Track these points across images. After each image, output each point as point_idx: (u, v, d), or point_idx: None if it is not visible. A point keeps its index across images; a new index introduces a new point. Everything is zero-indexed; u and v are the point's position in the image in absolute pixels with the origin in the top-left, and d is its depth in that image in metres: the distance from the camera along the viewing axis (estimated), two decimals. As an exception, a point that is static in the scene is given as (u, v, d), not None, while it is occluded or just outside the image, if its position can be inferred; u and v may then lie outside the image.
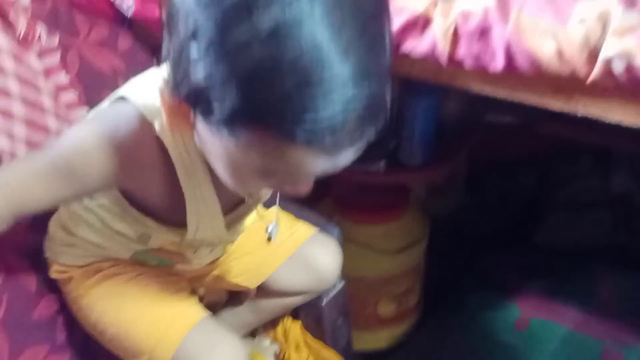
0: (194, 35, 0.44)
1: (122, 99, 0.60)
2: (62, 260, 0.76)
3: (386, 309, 1.32)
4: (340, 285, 0.98)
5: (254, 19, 0.41)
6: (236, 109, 0.44)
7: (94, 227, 0.71)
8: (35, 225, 0.76)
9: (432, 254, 1.37)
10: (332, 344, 0.97)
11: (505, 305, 1.20)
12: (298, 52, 0.41)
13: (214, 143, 0.50)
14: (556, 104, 0.64)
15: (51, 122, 0.80)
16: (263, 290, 0.90)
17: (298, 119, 0.43)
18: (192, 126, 0.52)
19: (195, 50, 0.44)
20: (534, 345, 1.10)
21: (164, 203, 0.65)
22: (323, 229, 0.93)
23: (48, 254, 0.77)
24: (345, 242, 0.95)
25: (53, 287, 0.79)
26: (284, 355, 0.96)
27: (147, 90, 0.58)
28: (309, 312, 0.97)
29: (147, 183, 0.62)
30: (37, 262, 0.78)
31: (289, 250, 0.87)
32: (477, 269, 1.34)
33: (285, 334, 0.95)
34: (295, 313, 0.99)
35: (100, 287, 0.75)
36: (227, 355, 0.73)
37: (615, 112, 0.60)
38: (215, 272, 0.85)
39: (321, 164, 0.47)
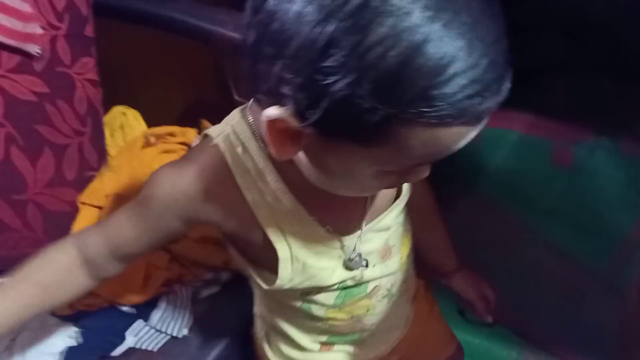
0: (323, 54, 0.41)
1: (205, 136, 0.60)
2: None
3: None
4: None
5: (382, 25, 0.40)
6: (388, 114, 0.42)
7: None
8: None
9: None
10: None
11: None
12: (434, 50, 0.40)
13: (340, 160, 0.49)
14: None
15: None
16: None
17: (451, 100, 0.41)
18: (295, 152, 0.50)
19: (329, 70, 0.41)
20: (486, 154, 1.10)
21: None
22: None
23: None
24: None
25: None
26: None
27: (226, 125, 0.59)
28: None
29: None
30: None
31: None
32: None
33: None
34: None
35: None
36: None
37: None
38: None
39: (472, 134, 0.46)
